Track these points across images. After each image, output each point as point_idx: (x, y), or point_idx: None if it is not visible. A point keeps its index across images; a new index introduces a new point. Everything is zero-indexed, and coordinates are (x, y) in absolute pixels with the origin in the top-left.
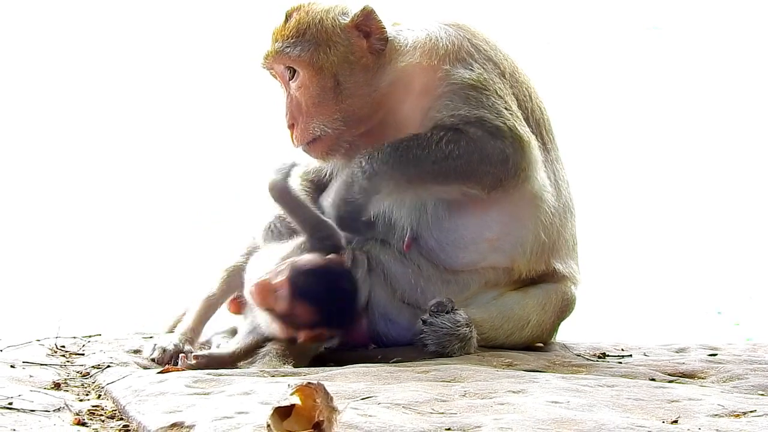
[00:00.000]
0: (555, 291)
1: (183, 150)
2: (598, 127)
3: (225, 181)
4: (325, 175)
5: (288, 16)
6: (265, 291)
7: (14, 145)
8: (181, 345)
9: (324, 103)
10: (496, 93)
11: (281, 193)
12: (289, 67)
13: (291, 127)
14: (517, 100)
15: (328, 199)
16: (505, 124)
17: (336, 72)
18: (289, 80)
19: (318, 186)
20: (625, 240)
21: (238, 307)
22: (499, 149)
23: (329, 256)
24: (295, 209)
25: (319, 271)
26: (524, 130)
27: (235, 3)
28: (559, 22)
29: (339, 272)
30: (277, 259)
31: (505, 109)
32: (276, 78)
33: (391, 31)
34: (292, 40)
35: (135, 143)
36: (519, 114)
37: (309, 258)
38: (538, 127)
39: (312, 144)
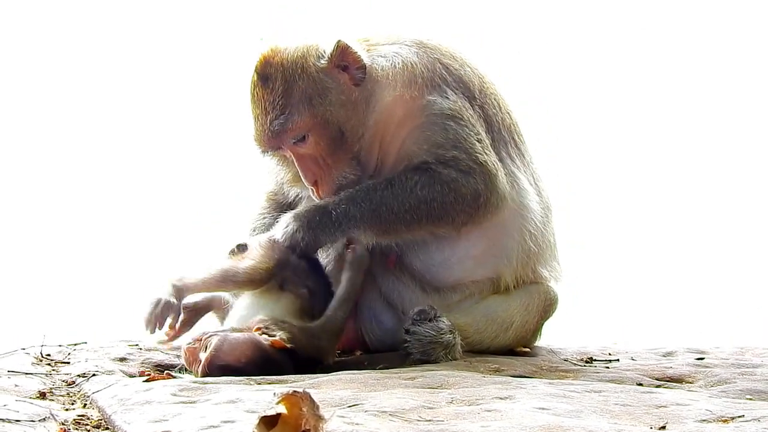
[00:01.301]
0: (537, 291)
1: (183, 150)
2: (592, 127)
3: (225, 181)
4: (291, 196)
5: (264, 77)
6: (193, 356)
7: (5, 145)
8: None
9: (338, 151)
10: (470, 122)
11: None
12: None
13: (314, 183)
14: (487, 116)
15: (285, 226)
16: (478, 159)
17: (336, 118)
18: (296, 144)
19: (281, 206)
20: (613, 243)
21: None
22: (473, 189)
23: (266, 340)
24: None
25: (234, 366)
26: (493, 161)
27: (234, 3)
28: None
29: (259, 362)
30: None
31: (478, 141)
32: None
33: (365, 58)
34: (285, 108)
35: (134, 143)
36: (487, 140)
37: (230, 346)
38: (510, 134)
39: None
